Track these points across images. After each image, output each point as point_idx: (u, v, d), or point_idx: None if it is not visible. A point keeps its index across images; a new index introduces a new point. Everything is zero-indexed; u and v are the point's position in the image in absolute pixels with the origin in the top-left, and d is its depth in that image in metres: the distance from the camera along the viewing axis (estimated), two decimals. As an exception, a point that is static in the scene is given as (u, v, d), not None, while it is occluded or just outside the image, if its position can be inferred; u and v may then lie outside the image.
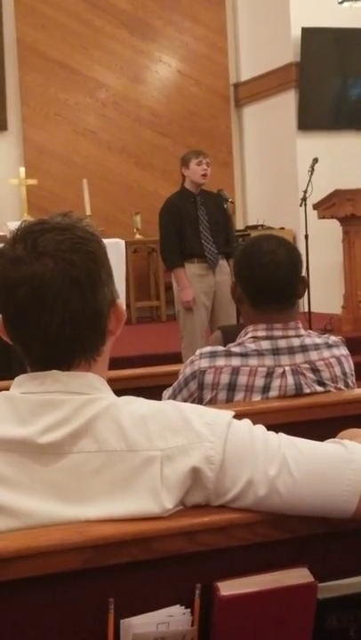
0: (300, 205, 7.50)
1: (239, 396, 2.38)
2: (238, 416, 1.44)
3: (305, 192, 7.42)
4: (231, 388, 2.38)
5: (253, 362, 2.38)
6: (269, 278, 2.40)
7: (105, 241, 1.45)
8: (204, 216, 6.10)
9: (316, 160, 7.56)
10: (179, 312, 6.16)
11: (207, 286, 6.06)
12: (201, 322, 6.06)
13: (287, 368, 2.40)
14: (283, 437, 1.43)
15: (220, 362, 2.39)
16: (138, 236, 9.85)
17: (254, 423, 1.44)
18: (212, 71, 10.69)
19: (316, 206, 7.72)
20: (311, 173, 7.45)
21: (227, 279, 5.96)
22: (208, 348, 2.45)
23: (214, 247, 6.06)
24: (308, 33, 9.46)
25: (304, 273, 2.50)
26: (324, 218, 7.77)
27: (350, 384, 2.50)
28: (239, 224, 10.07)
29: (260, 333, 2.41)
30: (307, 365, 2.42)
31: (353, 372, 2.53)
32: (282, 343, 2.40)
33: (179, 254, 6.08)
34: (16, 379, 1.41)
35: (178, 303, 6.16)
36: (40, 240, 1.36)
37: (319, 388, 2.43)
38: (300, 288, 2.45)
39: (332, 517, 1.40)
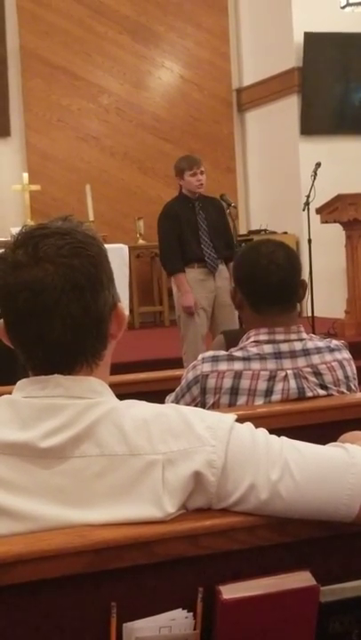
0: (303, 210, 7.49)
1: (242, 399, 2.38)
2: (241, 420, 1.44)
3: (308, 197, 7.42)
4: (234, 391, 2.38)
5: (256, 366, 2.38)
6: (269, 280, 2.41)
7: (108, 246, 1.45)
8: (203, 221, 6.11)
9: (318, 165, 7.55)
10: (179, 317, 6.16)
11: (208, 291, 6.06)
12: (202, 327, 6.06)
13: (289, 372, 2.40)
14: (284, 441, 1.43)
15: (223, 366, 2.39)
16: (141, 242, 9.85)
17: (257, 427, 1.45)
18: (214, 76, 10.70)
19: (318, 211, 7.72)
20: (314, 178, 7.44)
21: (226, 284, 5.96)
22: (210, 353, 2.45)
23: (214, 252, 6.06)
24: (310, 38, 9.47)
25: (307, 277, 2.51)
26: (326, 222, 7.76)
27: (353, 387, 2.51)
28: (242, 229, 10.08)
29: (262, 337, 2.41)
30: (309, 369, 2.42)
31: (355, 376, 2.53)
32: (284, 347, 2.40)
33: (179, 259, 6.08)
34: (18, 383, 1.41)
35: (178, 308, 6.15)
36: (41, 245, 1.36)
37: (322, 392, 2.44)
38: (300, 290, 2.46)
39: (334, 521, 1.40)
